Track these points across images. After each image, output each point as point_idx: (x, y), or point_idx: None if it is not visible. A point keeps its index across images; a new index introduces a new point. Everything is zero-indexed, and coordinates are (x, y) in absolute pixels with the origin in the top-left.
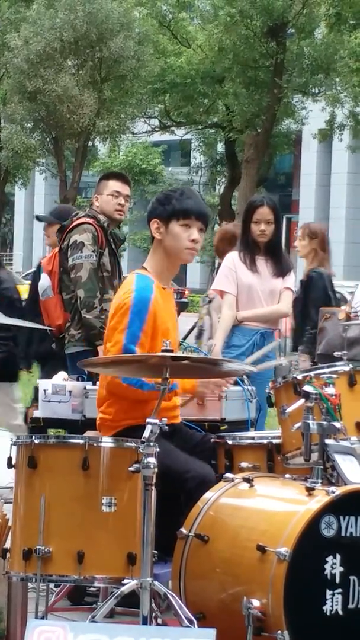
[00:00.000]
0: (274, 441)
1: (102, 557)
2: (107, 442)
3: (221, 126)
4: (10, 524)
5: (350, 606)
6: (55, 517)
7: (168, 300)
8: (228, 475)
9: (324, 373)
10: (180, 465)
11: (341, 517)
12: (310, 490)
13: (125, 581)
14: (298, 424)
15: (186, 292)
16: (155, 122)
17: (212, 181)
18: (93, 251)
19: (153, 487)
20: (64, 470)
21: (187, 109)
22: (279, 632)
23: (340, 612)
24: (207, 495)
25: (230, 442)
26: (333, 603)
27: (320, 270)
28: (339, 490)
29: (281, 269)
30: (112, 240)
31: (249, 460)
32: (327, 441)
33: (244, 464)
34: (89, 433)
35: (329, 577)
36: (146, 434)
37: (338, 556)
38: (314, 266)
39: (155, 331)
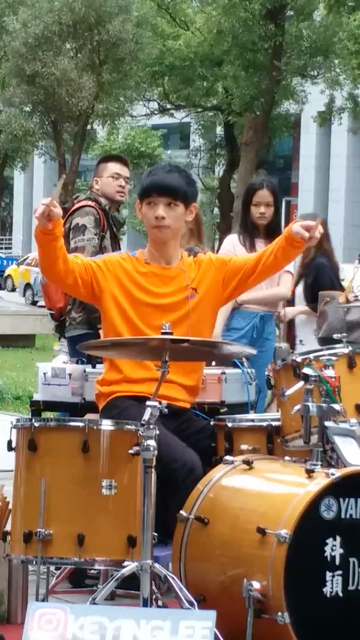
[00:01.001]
0: (274, 423)
1: (103, 539)
2: (107, 424)
3: (220, 109)
4: (10, 506)
5: (350, 588)
6: (56, 500)
7: (156, 275)
8: (228, 457)
9: (324, 355)
10: (170, 454)
11: (341, 499)
12: (310, 472)
13: (125, 564)
14: (298, 407)
15: None
16: (154, 105)
17: (211, 164)
18: (95, 234)
19: (153, 470)
20: (64, 453)
21: (186, 92)
22: (279, 613)
23: (340, 594)
24: (207, 477)
25: (230, 425)
26: (333, 585)
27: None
28: (338, 473)
29: None
30: (112, 224)
31: (248, 442)
32: (327, 423)
33: (243, 447)
34: (89, 416)
35: (329, 559)
36: (146, 416)
37: (338, 538)
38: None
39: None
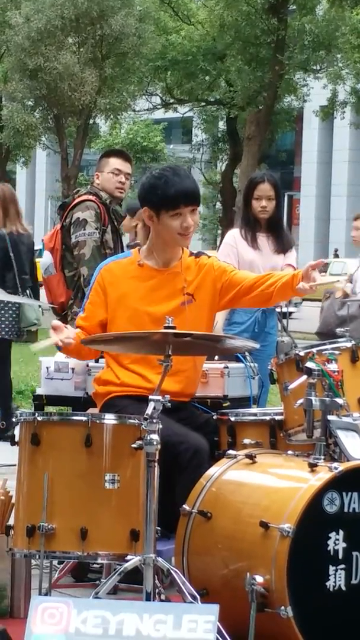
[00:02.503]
0: (277, 417)
1: (105, 533)
2: (109, 419)
3: (223, 103)
4: (13, 500)
5: (354, 582)
6: (59, 494)
7: (150, 278)
8: (231, 451)
9: (326, 349)
10: (175, 437)
11: (344, 493)
12: (313, 466)
13: (128, 557)
14: (300, 401)
15: None
16: (156, 99)
17: (213, 159)
18: (96, 228)
19: (156, 464)
20: (67, 447)
21: (188, 86)
22: (282, 607)
23: (343, 588)
24: (210, 471)
25: (232, 419)
26: (336, 579)
27: None
28: (341, 467)
29: (282, 245)
30: (114, 218)
31: (251, 436)
32: (330, 417)
33: (246, 441)
34: (92, 410)
35: (332, 553)
36: (149, 410)
37: (341, 532)
38: None
39: (109, 302)
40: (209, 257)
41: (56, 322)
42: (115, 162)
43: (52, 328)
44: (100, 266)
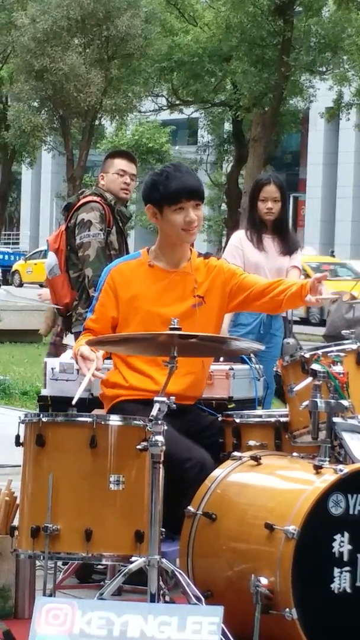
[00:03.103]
0: (282, 419)
1: (110, 534)
2: (115, 420)
3: (228, 105)
4: (18, 501)
5: (358, 584)
6: (63, 495)
7: (160, 280)
8: (236, 453)
9: (332, 351)
10: (181, 453)
11: (349, 495)
12: (318, 468)
13: (133, 559)
14: (306, 402)
15: None
16: (162, 100)
17: (219, 160)
18: (101, 229)
19: (161, 465)
20: (72, 449)
21: (194, 88)
22: (287, 609)
23: (349, 590)
24: (215, 473)
25: (237, 420)
26: (341, 581)
27: None
28: (346, 469)
29: (288, 247)
30: (119, 219)
31: (256, 438)
32: (335, 419)
33: (251, 442)
34: (97, 411)
35: (337, 555)
36: (154, 412)
37: (346, 534)
38: None
39: (120, 304)
40: (218, 258)
41: (85, 352)
42: (120, 163)
43: (80, 357)
44: (109, 267)
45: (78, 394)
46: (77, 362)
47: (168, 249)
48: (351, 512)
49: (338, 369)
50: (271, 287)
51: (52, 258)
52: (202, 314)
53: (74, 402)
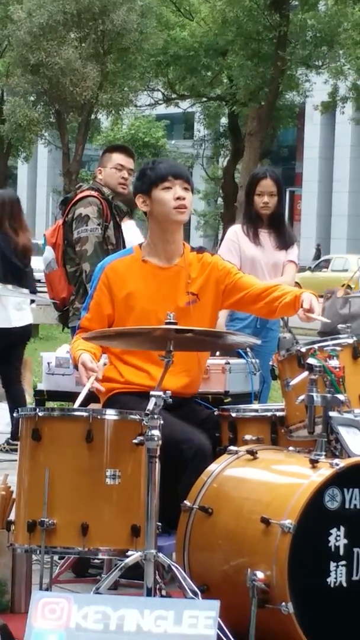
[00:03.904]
0: (278, 414)
1: (106, 529)
2: (111, 414)
3: (224, 99)
4: (14, 496)
5: (354, 578)
6: (60, 490)
7: (154, 277)
8: (232, 447)
9: (328, 346)
10: (178, 435)
11: (345, 490)
12: (314, 462)
13: (129, 553)
14: (302, 397)
15: None
16: (158, 95)
17: (215, 154)
18: (98, 224)
19: (157, 460)
20: (68, 443)
21: (190, 82)
22: (283, 603)
23: (344, 584)
24: (211, 467)
25: (234, 415)
26: (337, 575)
27: None
28: (342, 463)
29: (284, 241)
30: (116, 214)
31: (252, 432)
32: (331, 414)
33: (247, 437)
34: (93, 406)
35: (333, 549)
36: (150, 406)
37: (342, 528)
38: None
39: (115, 301)
40: (212, 254)
41: (87, 362)
42: (118, 158)
43: (82, 365)
44: (103, 265)
45: (77, 402)
46: (76, 369)
47: (159, 240)
48: (347, 506)
49: (334, 363)
50: (267, 292)
51: (49, 252)
52: (197, 311)
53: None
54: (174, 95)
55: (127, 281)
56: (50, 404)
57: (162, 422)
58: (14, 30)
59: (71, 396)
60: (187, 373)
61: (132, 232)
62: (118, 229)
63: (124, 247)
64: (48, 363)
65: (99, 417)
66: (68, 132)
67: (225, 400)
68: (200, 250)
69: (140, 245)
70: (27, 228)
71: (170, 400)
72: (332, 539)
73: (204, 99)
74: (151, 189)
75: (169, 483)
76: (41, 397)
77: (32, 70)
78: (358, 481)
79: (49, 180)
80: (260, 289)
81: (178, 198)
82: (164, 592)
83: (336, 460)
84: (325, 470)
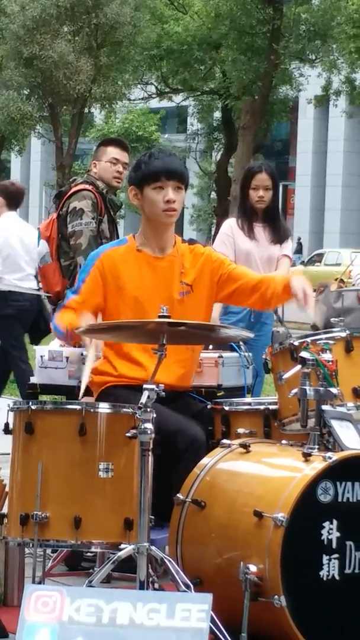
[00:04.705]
0: (271, 407)
1: (99, 522)
2: (104, 407)
3: (218, 93)
4: (7, 489)
5: (347, 571)
6: (53, 483)
7: (149, 266)
8: (225, 441)
9: (321, 339)
10: (171, 426)
11: (338, 483)
12: (307, 456)
13: (122, 546)
14: (295, 390)
15: None
16: (152, 88)
17: (208, 148)
18: (93, 218)
19: (150, 453)
20: (61, 436)
21: (183, 76)
22: (276, 597)
23: (337, 577)
24: (204, 461)
25: (227, 408)
26: (330, 568)
27: None
28: (335, 456)
29: (279, 235)
30: (110, 207)
31: (245, 426)
32: (324, 407)
33: (240, 430)
34: (86, 399)
35: (325, 542)
36: (143, 399)
37: (335, 522)
38: None
39: (107, 291)
40: (204, 246)
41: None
42: (113, 151)
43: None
44: (98, 252)
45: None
46: (67, 340)
47: (151, 233)
48: (340, 499)
49: (327, 356)
50: (260, 283)
51: (43, 246)
52: (191, 302)
53: (82, 388)
54: (167, 89)
55: (121, 270)
56: (43, 398)
57: (155, 415)
58: (7, 23)
59: (64, 390)
60: (181, 364)
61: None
62: (112, 222)
63: None
64: (41, 356)
65: (92, 410)
66: (61, 125)
67: (218, 394)
68: (191, 241)
69: (133, 235)
70: None
71: (163, 393)
72: (324, 532)
73: (198, 93)
74: (143, 185)
75: (163, 476)
76: (34, 390)
77: (25, 63)
78: (351, 474)
79: (42, 173)
80: (255, 281)
81: (168, 201)
82: (156, 585)
83: (329, 454)
84: (318, 464)
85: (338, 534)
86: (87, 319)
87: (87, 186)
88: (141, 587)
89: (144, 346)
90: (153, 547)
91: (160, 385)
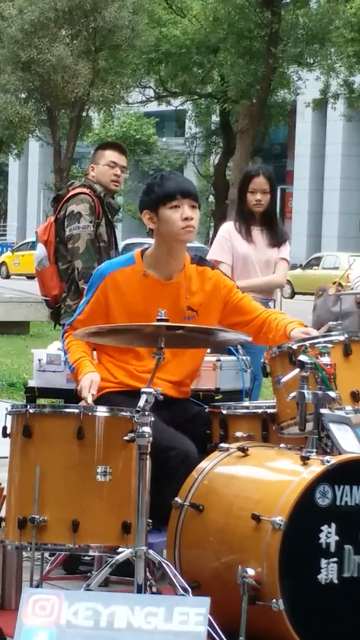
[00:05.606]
0: (269, 411)
1: (97, 526)
2: (102, 411)
3: (216, 96)
4: (5, 493)
5: (345, 575)
6: (51, 486)
7: (153, 292)
8: (223, 444)
9: (319, 342)
10: (165, 442)
11: (336, 487)
12: (305, 459)
13: (119, 550)
14: (293, 394)
15: None
16: (150, 92)
17: (206, 152)
18: (90, 222)
19: (148, 457)
20: (59, 440)
21: (181, 79)
22: (274, 600)
23: (335, 581)
24: (202, 464)
25: (224, 412)
26: (328, 572)
27: None
28: (333, 460)
29: (277, 239)
30: (107, 211)
31: (243, 429)
32: (322, 411)
33: (238, 434)
34: (84, 403)
35: (323, 546)
36: (141, 403)
37: (333, 525)
38: None
39: (110, 313)
40: (213, 269)
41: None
42: (111, 155)
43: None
44: (103, 272)
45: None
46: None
47: (164, 257)
48: (338, 503)
49: (325, 360)
50: (262, 326)
51: (41, 250)
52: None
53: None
54: (165, 93)
55: (125, 293)
56: (41, 401)
57: (152, 419)
58: (5, 27)
59: (62, 393)
60: (180, 367)
61: None
62: (110, 226)
63: (116, 244)
64: (39, 360)
65: (90, 413)
66: (59, 129)
67: (216, 398)
68: (200, 262)
69: (142, 252)
70: None
71: (161, 397)
72: (322, 535)
73: (196, 97)
74: (158, 206)
75: (161, 480)
76: (32, 394)
77: (23, 67)
78: (349, 478)
79: (40, 177)
80: (257, 324)
81: (186, 218)
82: (154, 589)
83: (327, 457)
84: (316, 467)
85: (336, 538)
86: (90, 377)
87: (84, 190)
88: (139, 591)
89: (144, 362)
90: (151, 551)
91: (158, 389)
